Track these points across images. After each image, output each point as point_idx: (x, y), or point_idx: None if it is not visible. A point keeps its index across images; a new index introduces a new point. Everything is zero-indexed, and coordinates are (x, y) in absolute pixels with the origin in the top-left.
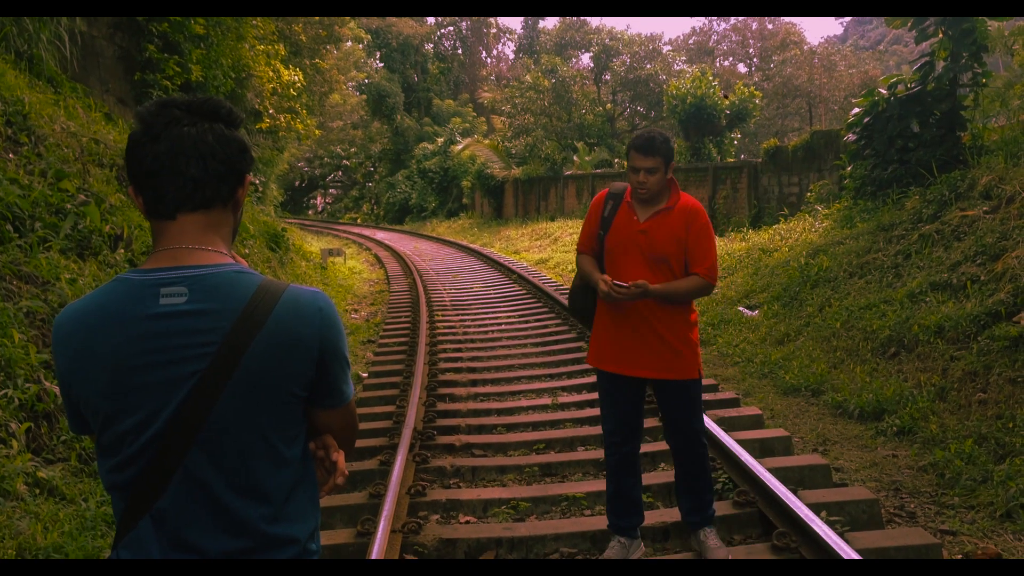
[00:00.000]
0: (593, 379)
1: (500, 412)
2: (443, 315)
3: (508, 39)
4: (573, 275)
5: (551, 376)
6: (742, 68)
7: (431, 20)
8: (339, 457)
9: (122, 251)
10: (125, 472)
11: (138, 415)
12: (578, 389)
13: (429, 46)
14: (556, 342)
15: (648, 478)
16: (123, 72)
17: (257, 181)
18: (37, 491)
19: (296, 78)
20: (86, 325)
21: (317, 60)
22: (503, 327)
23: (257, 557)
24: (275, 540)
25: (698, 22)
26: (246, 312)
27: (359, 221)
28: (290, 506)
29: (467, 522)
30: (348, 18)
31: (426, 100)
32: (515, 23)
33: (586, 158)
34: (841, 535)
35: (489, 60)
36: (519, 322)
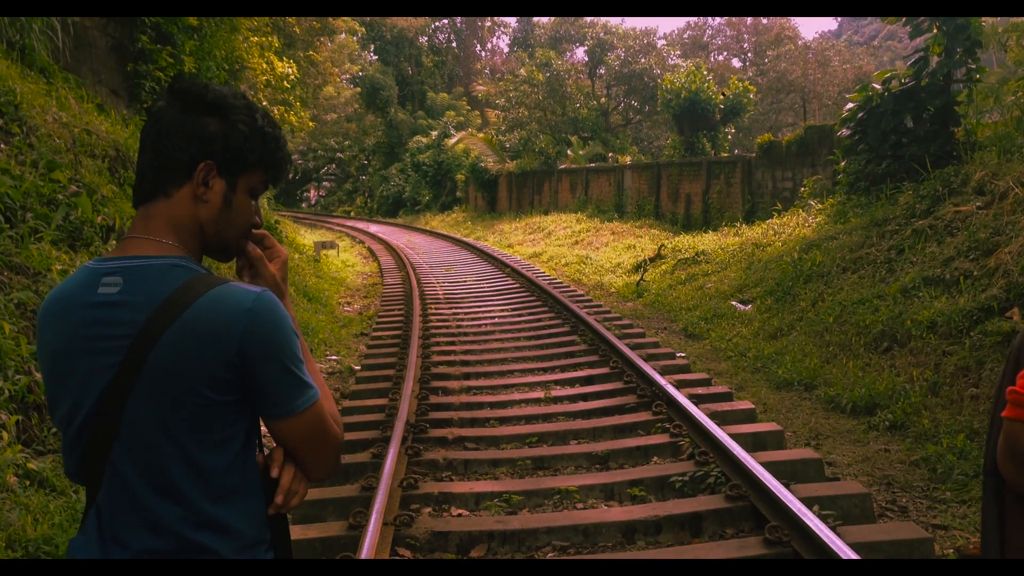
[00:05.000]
0: (586, 372)
1: (493, 405)
2: (436, 308)
3: (503, 32)
4: (567, 268)
5: (544, 370)
6: (736, 63)
7: None
8: (285, 475)
9: (114, 242)
10: (69, 460)
11: (67, 403)
12: (571, 383)
13: (423, 39)
14: (549, 335)
15: (641, 472)
16: (116, 63)
17: None
18: (27, 483)
19: (290, 70)
20: (47, 310)
21: (311, 52)
22: (496, 320)
23: (180, 559)
24: (198, 547)
25: (692, 17)
26: (165, 304)
27: (353, 214)
28: (218, 515)
29: (459, 515)
30: (342, 16)
31: (420, 93)
32: (510, 17)
33: (580, 152)
34: (833, 529)
35: (483, 53)
36: (512, 316)
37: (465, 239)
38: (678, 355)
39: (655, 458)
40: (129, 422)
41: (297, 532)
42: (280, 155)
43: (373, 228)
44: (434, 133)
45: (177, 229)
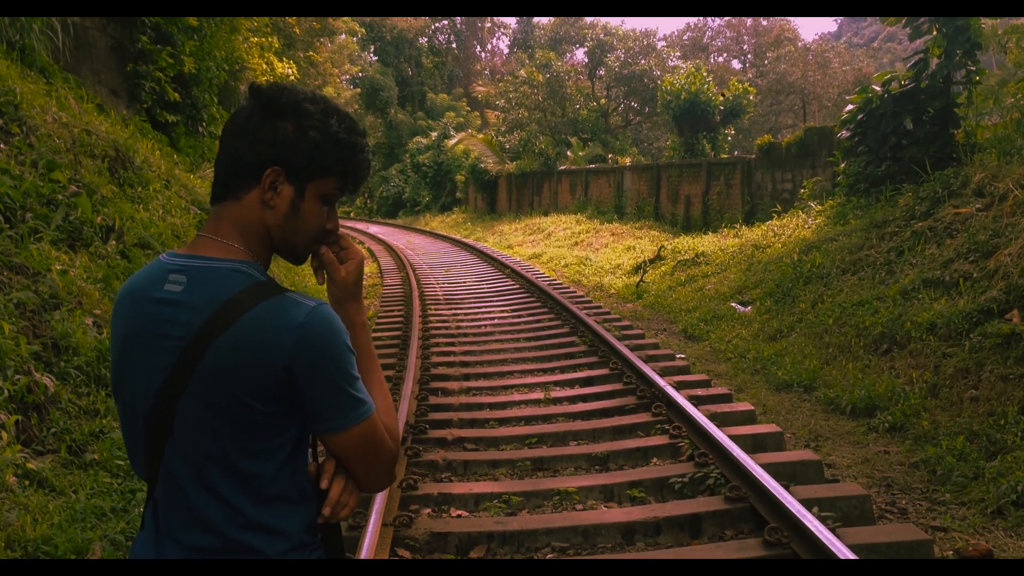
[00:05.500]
0: (586, 373)
1: (492, 406)
2: (436, 309)
3: (503, 33)
4: (567, 269)
5: (543, 370)
6: (736, 64)
7: None
8: (334, 487)
9: (114, 242)
10: (131, 453)
11: (129, 395)
12: (570, 384)
13: (423, 40)
14: (549, 336)
15: (640, 473)
16: (116, 63)
17: None
18: (26, 483)
19: (290, 71)
20: (120, 300)
21: (311, 53)
22: (496, 321)
23: (226, 557)
24: (244, 546)
25: (692, 18)
26: (219, 311)
27: (352, 215)
28: (263, 518)
29: (458, 516)
30: (342, 16)
31: (420, 94)
32: (510, 18)
33: (580, 153)
34: (832, 531)
35: (483, 54)
36: (512, 316)
37: (465, 240)
38: (678, 356)
39: (655, 459)
40: (180, 422)
41: None
42: (355, 162)
43: (373, 229)
44: (434, 134)
45: (244, 232)
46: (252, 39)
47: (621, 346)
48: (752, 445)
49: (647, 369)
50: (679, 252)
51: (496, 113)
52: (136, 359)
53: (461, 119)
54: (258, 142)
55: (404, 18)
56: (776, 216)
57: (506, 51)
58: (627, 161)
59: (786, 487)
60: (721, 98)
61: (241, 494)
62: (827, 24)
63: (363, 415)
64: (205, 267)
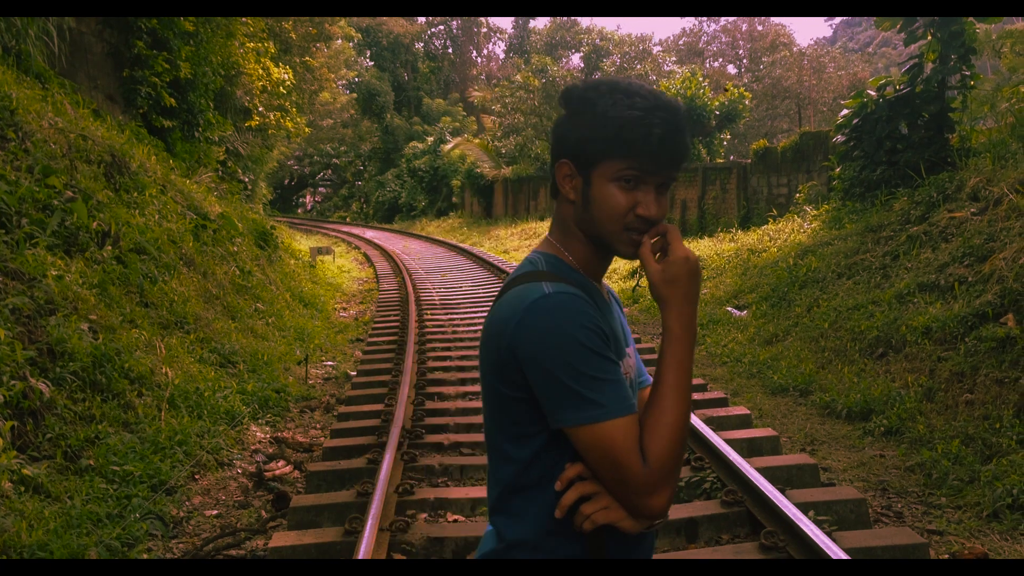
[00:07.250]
0: None
1: None
2: (432, 314)
3: (498, 38)
4: None
5: None
6: (732, 69)
7: (421, 19)
8: (572, 492)
9: (109, 248)
10: None
11: None
12: None
13: (419, 45)
14: None
15: None
16: (112, 68)
17: (246, 179)
18: (22, 489)
19: (286, 76)
20: None
21: (307, 58)
22: None
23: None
24: (488, 531)
25: (688, 23)
26: (496, 297)
27: (348, 220)
28: (510, 505)
29: (455, 521)
30: (338, 16)
31: (416, 99)
32: (506, 22)
33: None
34: (829, 534)
35: (479, 59)
36: None
37: (461, 245)
38: None
39: None
40: None
41: (292, 538)
42: (635, 135)
43: (369, 234)
44: (430, 139)
45: (560, 228)
46: (248, 44)
47: None
48: (748, 449)
49: None
50: None
51: (492, 118)
52: None
53: (457, 124)
54: (553, 140)
55: (400, 24)
56: (772, 220)
57: (502, 56)
58: None
59: (782, 491)
60: (717, 103)
61: (500, 474)
62: (822, 29)
63: (589, 419)
64: (525, 258)
